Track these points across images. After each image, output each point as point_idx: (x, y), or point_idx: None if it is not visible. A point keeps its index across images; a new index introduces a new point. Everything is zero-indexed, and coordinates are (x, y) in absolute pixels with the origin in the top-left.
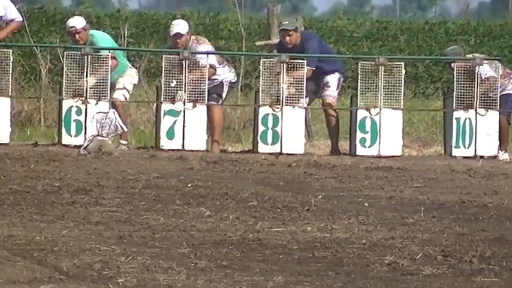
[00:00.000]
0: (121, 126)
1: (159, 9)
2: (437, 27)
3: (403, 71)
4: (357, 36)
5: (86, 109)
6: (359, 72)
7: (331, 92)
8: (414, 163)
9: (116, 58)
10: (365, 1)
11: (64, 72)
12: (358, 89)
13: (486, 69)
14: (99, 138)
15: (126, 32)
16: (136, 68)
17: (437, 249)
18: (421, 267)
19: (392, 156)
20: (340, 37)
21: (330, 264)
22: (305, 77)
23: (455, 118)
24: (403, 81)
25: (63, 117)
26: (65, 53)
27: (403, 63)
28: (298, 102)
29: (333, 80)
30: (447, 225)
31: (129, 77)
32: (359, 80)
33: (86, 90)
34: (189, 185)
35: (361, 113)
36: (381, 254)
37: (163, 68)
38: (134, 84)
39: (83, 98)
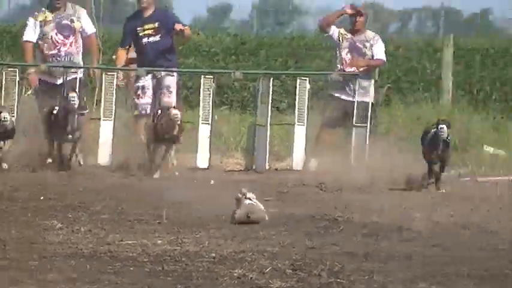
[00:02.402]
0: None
1: None
2: (297, 42)
3: (260, 86)
4: (215, 51)
5: None
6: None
7: (174, 98)
8: (266, 176)
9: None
10: (223, 17)
11: None
12: (204, 103)
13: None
14: (247, 202)
15: None
16: None
17: (286, 263)
18: (270, 281)
19: (246, 170)
20: (198, 52)
21: (180, 278)
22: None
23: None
24: (259, 96)
25: None
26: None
27: (260, 78)
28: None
29: (173, 83)
30: (297, 238)
31: None
32: (211, 94)
33: None
34: (41, 198)
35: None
36: (231, 267)
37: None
38: None
39: None
